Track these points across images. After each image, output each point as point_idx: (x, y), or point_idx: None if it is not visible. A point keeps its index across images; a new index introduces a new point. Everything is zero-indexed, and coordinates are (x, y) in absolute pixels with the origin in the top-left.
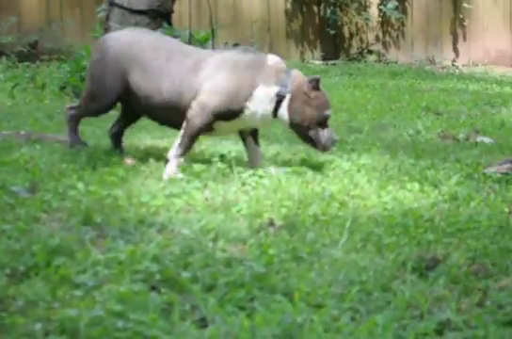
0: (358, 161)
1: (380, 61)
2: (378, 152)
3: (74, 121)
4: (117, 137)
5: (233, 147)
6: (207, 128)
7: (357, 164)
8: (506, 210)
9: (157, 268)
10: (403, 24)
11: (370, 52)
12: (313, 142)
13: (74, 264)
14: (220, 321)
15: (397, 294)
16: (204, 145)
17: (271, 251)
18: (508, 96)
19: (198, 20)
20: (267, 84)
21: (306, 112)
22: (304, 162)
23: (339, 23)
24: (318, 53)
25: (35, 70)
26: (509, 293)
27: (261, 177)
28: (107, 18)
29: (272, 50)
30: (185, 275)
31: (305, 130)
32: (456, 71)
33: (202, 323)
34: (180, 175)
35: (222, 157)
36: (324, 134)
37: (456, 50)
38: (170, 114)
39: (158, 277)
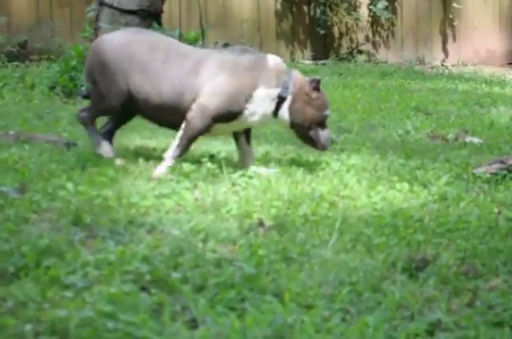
0: (347, 161)
1: (370, 61)
2: (368, 152)
3: (90, 122)
4: (107, 137)
5: (223, 147)
6: (207, 130)
7: (346, 164)
8: (496, 210)
9: (147, 269)
10: (393, 24)
11: (360, 52)
12: (313, 142)
13: (64, 264)
14: (211, 322)
15: (388, 294)
16: (194, 145)
17: (261, 252)
18: (497, 96)
19: (187, 20)
20: (268, 85)
21: (307, 112)
22: (294, 162)
23: (329, 22)
24: (308, 53)
25: (24, 70)
26: (499, 293)
27: (250, 177)
28: (97, 18)
29: (262, 50)
30: (176, 276)
31: (306, 130)
32: (446, 71)
33: (193, 324)
34: (169, 176)
35: (212, 158)
36: (323, 134)
37: (445, 50)
38: (170, 116)
39: (148, 277)
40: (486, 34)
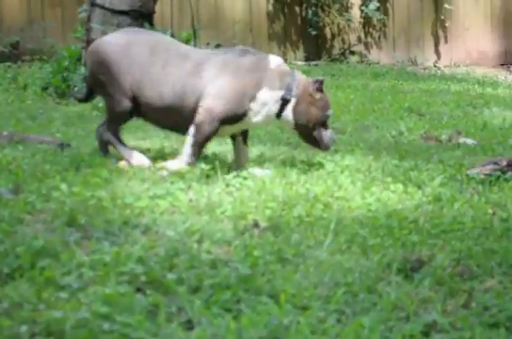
0: (341, 162)
1: (362, 62)
2: (362, 153)
3: (115, 139)
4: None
5: (217, 148)
6: (216, 133)
7: (340, 165)
8: (490, 211)
9: (142, 270)
10: (384, 25)
11: (352, 53)
12: (316, 142)
13: (59, 265)
14: (206, 323)
15: (383, 295)
16: None
17: (256, 253)
18: (490, 97)
19: (179, 20)
20: (272, 87)
21: (311, 113)
22: (288, 163)
23: (321, 23)
24: (300, 53)
25: (16, 70)
26: (494, 294)
27: (245, 178)
28: (89, 18)
29: None
30: (171, 277)
31: (310, 130)
32: (438, 72)
33: (189, 325)
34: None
35: (206, 158)
36: (326, 134)
37: (437, 51)
38: (172, 118)
39: (144, 278)
40: (477, 35)
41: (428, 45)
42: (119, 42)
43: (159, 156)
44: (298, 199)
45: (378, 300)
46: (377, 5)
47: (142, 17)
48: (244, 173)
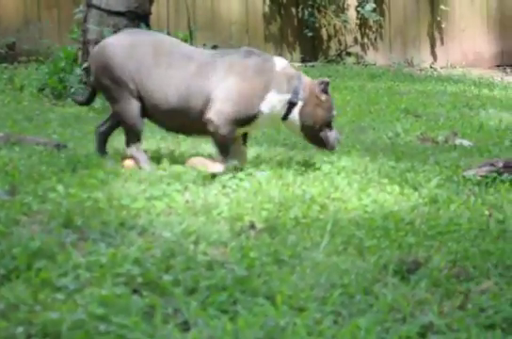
0: (338, 163)
1: (359, 63)
2: (358, 154)
3: (136, 139)
4: (103, 136)
5: (213, 150)
6: (234, 133)
7: (337, 166)
8: (486, 213)
9: (139, 271)
10: (381, 27)
11: (348, 54)
12: (322, 143)
13: (55, 267)
14: (203, 324)
15: (379, 297)
16: (184, 148)
17: (252, 254)
18: (486, 98)
19: (176, 21)
20: (280, 91)
21: (318, 115)
22: (284, 164)
23: (317, 25)
24: (297, 55)
25: (13, 71)
26: (491, 296)
27: (241, 180)
28: (85, 19)
29: None
30: (167, 278)
31: (316, 132)
32: (435, 73)
33: (185, 326)
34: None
35: None
36: (332, 134)
37: (433, 52)
38: (177, 120)
39: (140, 280)
40: (473, 36)
41: (424, 46)
42: (122, 44)
43: (155, 157)
44: (295, 200)
45: (375, 302)
46: (374, 6)
47: (138, 18)
48: (240, 175)
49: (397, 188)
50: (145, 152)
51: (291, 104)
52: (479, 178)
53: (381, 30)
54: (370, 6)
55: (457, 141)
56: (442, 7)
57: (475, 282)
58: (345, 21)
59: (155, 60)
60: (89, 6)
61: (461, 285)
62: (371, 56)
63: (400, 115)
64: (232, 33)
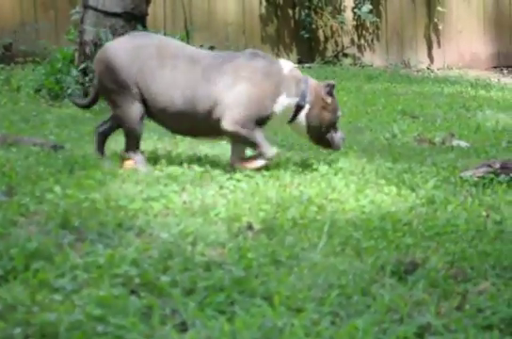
0: (335, 164)
1: (355, 64)
2: (355, 155)
3: (135, 142)
4: (102, 136)
5: (210, 150)
6: (255, 127)
7: (334, 167)
8: (484, 214)
9: (136, 272)
10: (377, 28)
11: (345, 55)
12: (328, 144)
13: (53, 268)
14: (201, 325)
15: (377, 298)
16: (181, 149)
17: (250, 255)
18: (483, 100)
19: (172, 22)
20: (289, 94)
21: (324, 117)
22: (281, 165)
23: (314, 26)
24: (294, 56)
25: (9, 72)
26: (488, 297)
27: (238, 181)
28: (82, 21)
29: None
30: (165, 279)
31: (323, 134)
32: (431, 74)
33: (183, 327)
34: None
35: (199, 161)
36: (337, 134)
37: (430, 53)
38: (187, 123)
39: (137, 281)
40: (470, 37)
41: (421, 48)
42: (125, 47)
43: (153, 158)
44: (292, 201)
45: (372, 303)
46: (370, 7)
47: (135, 19)
48: (238, 175)
49: (394, 189)
50: (142, 153)
51: (298, 108)
52: (476, 179)
53: (378, 31)
54: (366, 7)
55: (454, 142)
56: (439, 8)
57: (473, 282)
58: (342, 22)
59: (160, 63)
60: (86, 7)
61: (459, 286)
62: (368, 58)
63: (397, 116)
64: (229, 34)
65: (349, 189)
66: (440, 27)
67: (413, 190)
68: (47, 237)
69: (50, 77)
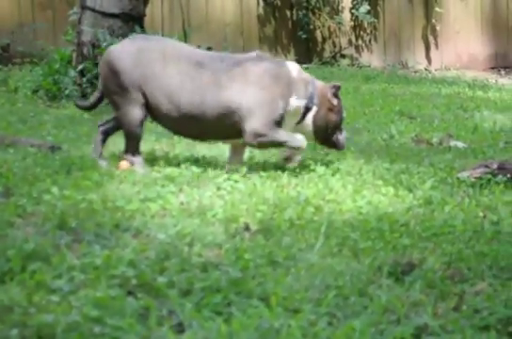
0: (332, 165)
1: (353, 65)
2: (353, 156)
3: (135, 144)
4: (103, 135)
5: (207, 152)
6: (275, 126)
7: (331, 168)
8: (481, 214)
9: (133, 273)
10: (375, 29)
11: (343, 56)
12: (333, 144)
13: (50, 269)
14: (197, 326)
15: (374, 298)
16: (179, 150)
17: (247, 256)
18: (481, 100)
19: (170, 23)
20: (299, 96)
21: (331, 119)
22: (279, 166)
23: (311, 27)
24: (291, 57)
25: (7, 73)
26: (485, 297)
27: (236, 181)
28: (79, 21)
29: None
30: (162, 280)
31: (329, 135)
32: (429, 75)
33: (179, 328)
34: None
35: (197, 162)
36: (342, 135)
37: (428, 54)
38: (195, 128)
39: (134, 282)
40: (468, 38)
41: (419, 48)
42: (129, 50)
43: (150, 159)
44: (289, 202)
45: (369, 303)
46: (368, 8)
47: (133, 20)
48: (235, 176)
49: (392, 190)
50: (140, 154)
51: (306, 110)
52: (473, 180)
53: (376, 32)
54: (364, 8)
55: (452, 143)
56: (437, 9)
57: (470, 283)
58: (340, 23)
59: (165, 67)
60: (84, 8)
61: (456, 287)
62: (365, 58)
63: (395, 117)
64: (227, 35)
65: (346, 190)
66: (438, 28)
67: (410, 191)
68: (44, 238)
69: (48, 78)
